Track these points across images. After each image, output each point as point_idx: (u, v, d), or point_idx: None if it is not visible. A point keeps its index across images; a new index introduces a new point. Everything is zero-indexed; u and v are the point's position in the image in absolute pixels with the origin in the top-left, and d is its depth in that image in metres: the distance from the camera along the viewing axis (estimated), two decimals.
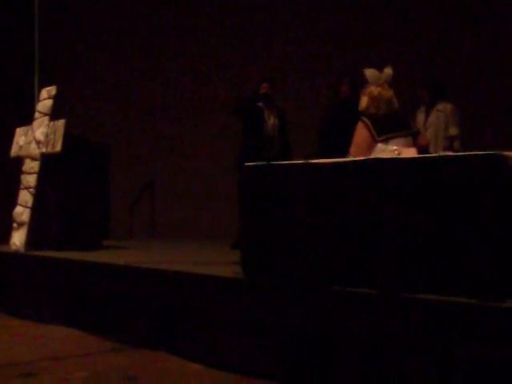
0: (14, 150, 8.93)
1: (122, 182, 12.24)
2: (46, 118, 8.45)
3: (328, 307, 4.68)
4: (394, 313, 4.33)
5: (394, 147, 5.03)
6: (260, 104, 7.00)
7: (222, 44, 11.84)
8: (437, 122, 7.69)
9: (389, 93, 5.41)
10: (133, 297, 6.23)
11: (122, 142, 12.72)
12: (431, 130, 7.68)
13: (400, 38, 9.38)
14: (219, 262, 6.55)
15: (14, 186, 8.67)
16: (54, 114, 8.44)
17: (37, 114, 8.68)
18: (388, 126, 5.27)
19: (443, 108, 7.70)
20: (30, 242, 8.15)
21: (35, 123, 8.62)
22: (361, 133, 5.28)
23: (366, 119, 5.30)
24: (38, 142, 8.39)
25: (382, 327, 4.35)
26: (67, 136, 8.15)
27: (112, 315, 6.42)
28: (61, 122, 8.21)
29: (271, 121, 6.94)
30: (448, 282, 4.25)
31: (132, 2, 13.35)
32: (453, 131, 7.66)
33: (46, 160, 8.29)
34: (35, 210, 8.25)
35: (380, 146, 5.12)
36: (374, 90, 5.40)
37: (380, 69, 5.46)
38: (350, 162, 5.05)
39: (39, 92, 9.07)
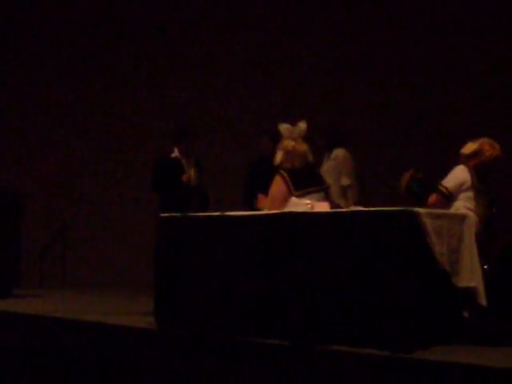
0: None
1: (33, 228, 12.00)
2: None
3: (241, 359, 4.69)
4: (306, 363, 4.38)
5: (308, 201, 5.09)
6: (178, 155, 6.99)
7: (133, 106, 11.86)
8: (328, 170, 6.84)
9: (303, 147, 5.45)
10: (42, 347, 6.09)
11: (34, 188, 12.52)
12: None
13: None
14: (132, 312, 6.50)
15: None
16: None
17: None
18: (304, 180, 5.31)
19: (335, 156, 6.96)
20: None
21: None
22: (277, 186, 5.30)
23: (284, 173, 5.34)
24: None
25: (294, 378, 4.39)
26: None
27: (21, 365, 6.26)
28: None
29: (190, 171, 6.92)
30: (361, 335, 4.33)
31: (58, 51, 13.28)
32: (344, 181, 6.88)
33: None
34: None
35: (294, 199, 5.17)
36: (288, 144, 5.44)
37: (294, 124, 5.52)
38: (264, 215, 5.10)
39: None
